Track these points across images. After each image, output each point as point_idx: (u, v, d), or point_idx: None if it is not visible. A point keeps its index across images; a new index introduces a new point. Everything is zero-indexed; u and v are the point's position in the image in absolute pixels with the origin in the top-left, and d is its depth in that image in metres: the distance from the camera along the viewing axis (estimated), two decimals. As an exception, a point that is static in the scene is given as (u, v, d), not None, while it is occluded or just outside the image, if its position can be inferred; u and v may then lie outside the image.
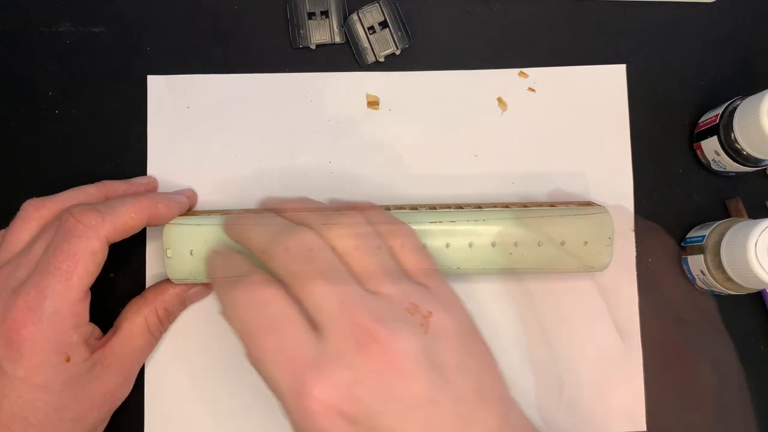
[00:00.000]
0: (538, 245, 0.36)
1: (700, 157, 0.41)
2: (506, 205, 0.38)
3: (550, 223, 0.36)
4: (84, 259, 0.31)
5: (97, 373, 0.33)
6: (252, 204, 0.40)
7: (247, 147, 0.41)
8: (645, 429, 0.39)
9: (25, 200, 0.35)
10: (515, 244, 0.36)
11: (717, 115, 0.39)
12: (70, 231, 0.32)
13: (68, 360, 0.32)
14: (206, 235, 0.36)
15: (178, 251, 0.36)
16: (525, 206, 0.37)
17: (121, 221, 0.33)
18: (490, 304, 0.40)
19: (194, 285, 0.38)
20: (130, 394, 0.36)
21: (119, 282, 0.40)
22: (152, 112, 0.41)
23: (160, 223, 0.35)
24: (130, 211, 0.33)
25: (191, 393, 0.39)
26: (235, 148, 0.41)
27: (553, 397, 0.40)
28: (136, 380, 0.37)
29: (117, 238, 0.33)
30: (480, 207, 0.37)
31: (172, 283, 0.37)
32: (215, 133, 0.41)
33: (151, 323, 0.36)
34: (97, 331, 0.34)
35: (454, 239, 0.36)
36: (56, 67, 0.41)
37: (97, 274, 0.33)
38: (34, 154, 0.41)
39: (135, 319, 0.35)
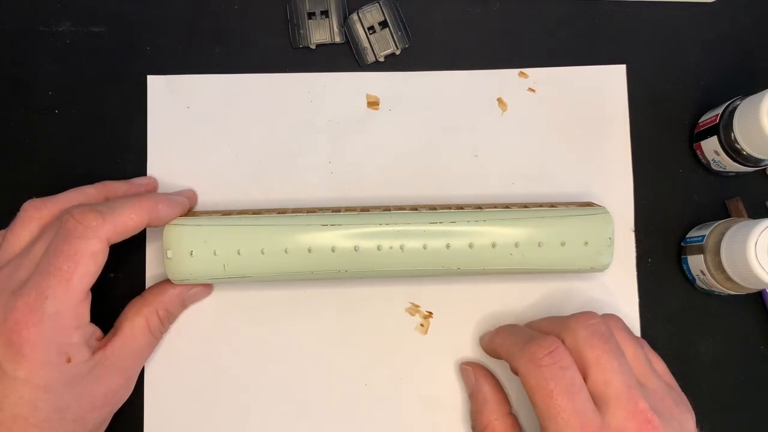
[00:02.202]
0: (539, 246, 0.36)
1: (700, 157, 0.41)
2: (506, 206, 0.38)
3: (551, 224, 0.36)
4: (84, 260, 0.31)
5: (98, 373, 0.33)
6: (252, 204, 0.40)
7: (247, 147, 0.41)
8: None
9: (25, 200, 0.35)
10: (516, 245, 0.36)
11: (717, 115, 0.39)
12: (71, 232, 0.32)
13: (69, 361, 0.32)
14: (206, 235, 0.36)
15: (179, 252, 0.36)
16: (525, 206, 0.37)
17: (122, 222, 0.33)
18: (491, 304, 0.40)
19: (194, 285, 0.38)
20: (130, 395, 0.36)
21: (119, 282, 0.40)
22: (152, 112, 0.41)
23: (160, 224, 0.35)
24: (131, 212, 0.33)
25: (191, 394, 0.39)
26: (235, 148, 0.41)
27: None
28: (136, 381, 0.37)
29: (117, 238, 0.33)
30: (480, 207, 0.37)
31: (172, 283, 0.37)
32: (215, 133, 0.41)
33: (151, 324, 0.36)
34: (98, 331, 0.34)
35: (455, 240, 0.36)
36: (56, 67, 0.41)
37: (98, 274, 0.33)
38: (34, 154, 0.41)
39: (135, 319, 0.35)
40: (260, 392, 0.39)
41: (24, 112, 0.41)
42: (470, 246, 0.36)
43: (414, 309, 0.40)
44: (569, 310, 0.40)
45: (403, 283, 0.40)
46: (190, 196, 0.39)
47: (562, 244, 0.36)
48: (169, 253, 0.36)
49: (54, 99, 0.41)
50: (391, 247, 0.36)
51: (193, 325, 0.39)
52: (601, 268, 0.37)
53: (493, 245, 0.36)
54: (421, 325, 0.40)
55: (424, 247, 0.36)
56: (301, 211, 0.37)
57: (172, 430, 0.39)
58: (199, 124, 0.41)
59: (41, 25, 0.42)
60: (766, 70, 0.42)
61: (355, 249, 0.36)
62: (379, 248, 0.36)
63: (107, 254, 0.33)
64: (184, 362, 0.39)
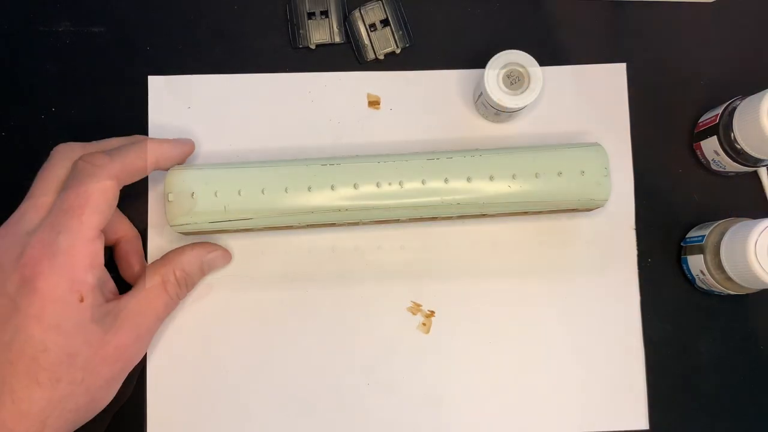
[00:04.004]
0: (536, 177, 0.37)
1: (700, 157, 0.41)
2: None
3: (547, 156, 0.37)
4: (95, 197, 0.33)
5: (109, 322, 0.33)
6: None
7: (247, 147, 0.41)
8: (647, 427, 0.39)
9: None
10: (513, 176, 0.37)
11: (717, 115, 0.39)
12: (81, 171, 0.33)
13: (82, 300, 0.32)
14: (208, 177, 0.37)
15: (180, 194, 0.36)
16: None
17: (129, 161, 0.34)
18: (491, 304, 0.40)
19: (212, 248, 0.39)
20: (132, 395, 0.36)
21: (119, 283, 0.39)
22: (152, 112, 0.41)
23: (165, 166, 0.37)
24: (138, 152, 0.35)
25: (192, 394, 0.39)
26: (235, 148, 0.41)
27: (554, 395, 0.40)
28: (138, 381, 0.37)
29: (127, 179, 0.34)
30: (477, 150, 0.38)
31: (190, 246, 0.38)
32: (215, 133, 0.41)
33: (167, 282, 0.36)
34: (112, 283, 0.35)
35: (453, 173, 0.37)
36: (56, 67, 0.41)
37: (109, 215, 0.33)
38: (34, 154, 0.40)
39: (152, 277, 0.36)
40: (261, 392, 0.39)
41: (24, 112, 0.41)
42: (468, 180, 0.37)
43: (416, 308, 0.40)
44: (570, 309, 0.40)
45: (405, 282, 0.40)
46: (190, 144, 0.40)
47: (559, 174, 0.37)
48: (171, 197, 0.36)
49: (54, 99, 0.41)
50: (390, 183, 0.36)
51: (194, 325, 0.39)
52: (601, 201, 0.37)
53: (491, 178, 0.37)
54: (423, 324, 0.40)
55: (423, 183, 0.37)
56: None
57: (175, 429, 0.39)
58: (199, 124, 0.41)
59: (41, 25, 0.41)
60: (766, 70, 0.43)
61: (355, 186, 0.36)
62: (378, 185, 0.36)
63: (118, 196, 0.34)
64: (185, 362, 0.39)
